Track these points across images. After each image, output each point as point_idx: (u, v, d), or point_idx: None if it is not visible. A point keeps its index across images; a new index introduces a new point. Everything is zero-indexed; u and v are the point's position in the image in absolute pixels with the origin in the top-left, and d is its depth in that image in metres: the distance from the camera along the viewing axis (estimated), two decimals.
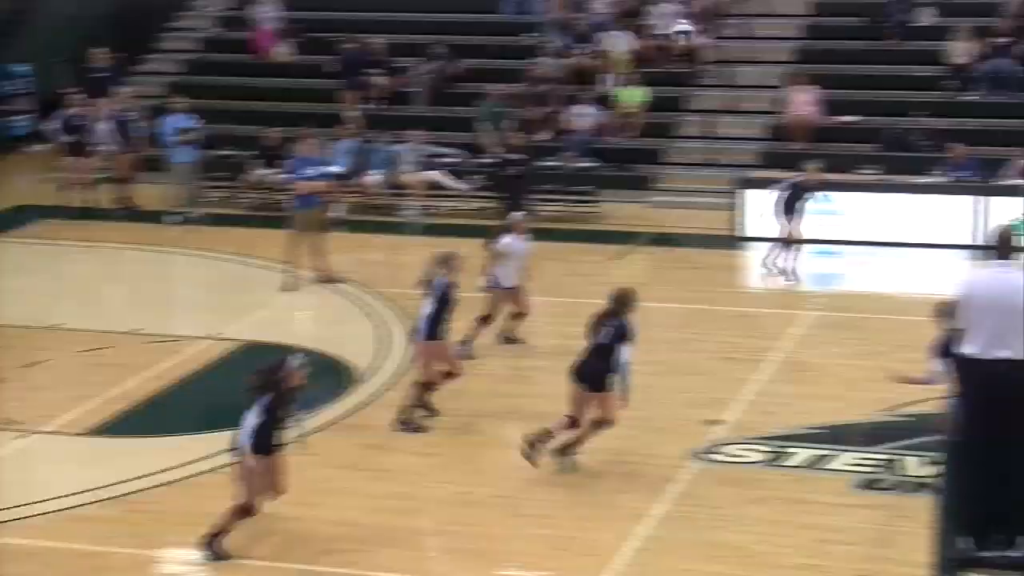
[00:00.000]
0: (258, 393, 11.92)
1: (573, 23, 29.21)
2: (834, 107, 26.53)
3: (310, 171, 21.03)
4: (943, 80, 26.72)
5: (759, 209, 23.00)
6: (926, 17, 28.17)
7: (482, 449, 14.67)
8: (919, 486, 13.24)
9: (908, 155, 25.08)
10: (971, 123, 25.81)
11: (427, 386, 15.05)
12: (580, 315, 18.90)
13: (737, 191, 23.99)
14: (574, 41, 28.83)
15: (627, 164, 26.69)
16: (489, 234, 17.66)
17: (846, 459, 14.21)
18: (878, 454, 14.25)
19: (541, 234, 23.98)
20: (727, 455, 14.30)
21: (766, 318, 19.57)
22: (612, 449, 14.32)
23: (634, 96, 27.33)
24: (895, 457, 14.10)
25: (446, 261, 15.21)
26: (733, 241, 23.65)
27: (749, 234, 23.59)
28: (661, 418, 15.06)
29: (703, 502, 13.20)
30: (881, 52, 27.90)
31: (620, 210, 25.21)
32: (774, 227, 21.33)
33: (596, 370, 13.68)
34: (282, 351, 14.32)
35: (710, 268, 22.47)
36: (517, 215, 18.07)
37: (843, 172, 24.34)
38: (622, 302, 13.96)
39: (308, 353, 14.18)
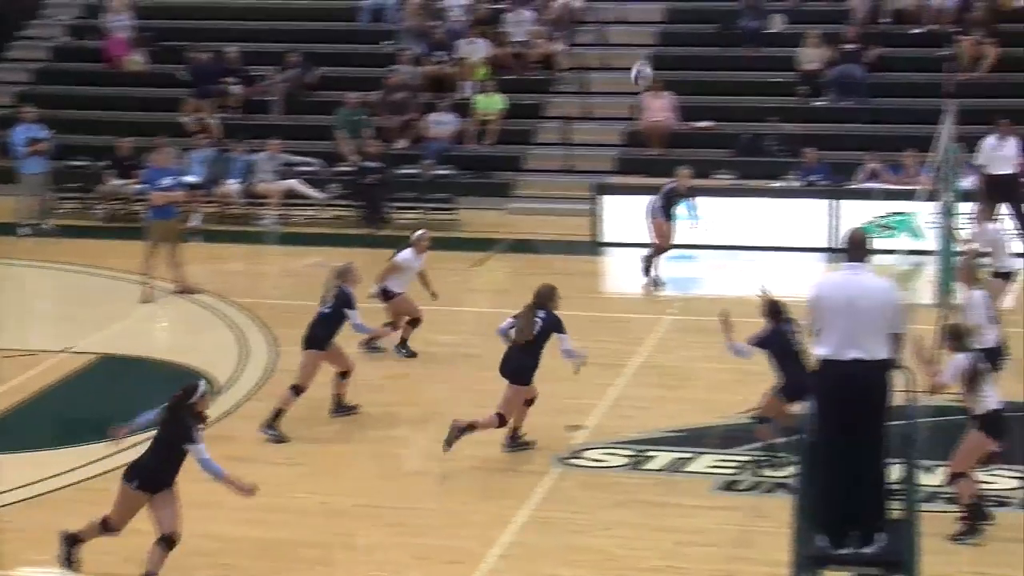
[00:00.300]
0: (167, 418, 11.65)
1: (430, 31, 29.24)
2: (689, 113, 26.85)
3: (165, 181, 20.79)
4: (795, 86, 27.16)
5: (622, 215, 23.26)
6: (777, 24, 28.61)
7: (347, 458, 14.59)
8: (777, 486, 13.43)
9: (762, 160, 25.48)
10: (822, 128, 26.29)
11: (298, 390, 15.04)
12: (442, 322, 19.01)
13: (595, 197, 24.17)
14: (431, 49, 28.86)
15: (485, 171, 26.79)
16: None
17: (706, 462, 14.32)
18: (737, 456, 14.38)
19: (400, 242, 23.98)
20: (589, 460, 14.34)
21: (627, 323, 19.72)
22: (477, 456, 14.34)
23: (492, 103, 27.43)
24: (754, 458, 14.20)
25: (344, 273, 15.42)
26: (592, 247, 23.82)
27: (608, 239, 23.79)
28: (525, 424, 14.99)
29: (565, 507, 13.23)
30: (734, 59, 28.29)
31: (479, 217, 25.29)
32: (648, 233, 21.36)
33: (522, 365, 14.31)
34: (143, 364, 14.15)
35: (570, 274, 22.50)
36: (420, 232, 18.08)
37: (699, 178, 24.64)
38: (546, 297, 14.52)
39: (167, 365, 14.04)
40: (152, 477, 11.52)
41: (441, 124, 27.13)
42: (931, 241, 20.12)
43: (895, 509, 9.73)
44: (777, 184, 24.12)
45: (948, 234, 17.76)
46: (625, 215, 24.00)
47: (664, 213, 21.27)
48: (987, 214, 17.47)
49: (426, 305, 19.24)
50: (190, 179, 24.08)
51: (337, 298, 15.21)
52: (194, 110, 27.98)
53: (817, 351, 9.73)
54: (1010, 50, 26.80)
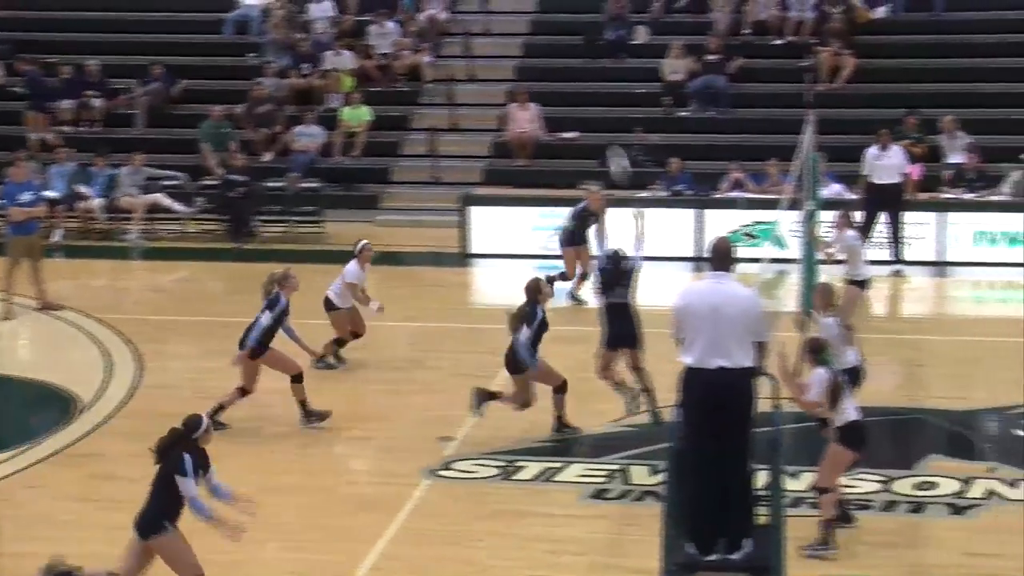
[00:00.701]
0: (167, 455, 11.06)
1: (295, 43, 29.09)
2: (555, 124, 27.00)
3: (25, 196, 20.42)
4: (659, 97, 27.42)
5: (489, 225, 23.39)
6: (641, 36, 28.87)
7: (218, 474, 14.37)
8: (646, 494, 13.51)
9: (628, 170, 25.63)
10: (686, 138, 26.59)
11: (244, 391, 15.24)
12: (311, 336, 18.88)
13: (462, 208, 24.22)
14: (297, 61, 28.72)
15: (353, 184, 26.71)
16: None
17: (575, 471, 14.37)
18: (606, 465, 14.45)
19: (267, 255, 23.87)
20: (460, 471, 14.32)
21: (496, 334, 19.65)
22: (348, 470, 14.44)
23: (358, 115, 27.36)
24: (623, 467, 14.31)
25: (283, 279, 15.54)
26: (460, 258, 23.85)
27: (476, 251, 23.84)
28: (395, 437, 15.09)
29: (437, 519, 13.22)
30: (599, 70, 28.50)
31: (347, 230, 25.12)
32: (562, 255, 21.13)
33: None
34: (5, 382, 13.89)
35: (439, 285, 22.64)
36: (363, 243, 17.88)
37: (566, 188, 24.82)
38: (533, 289, 14.94)
39: (30, 383, 13.81)
40: (154, 522, 10.89)
41: (307, 137, 27.01)
42: (794, 249, 20.40)
43: (761, 515, 9.84)
44: (643, 194, 24.28)
45: (811, 242, 18.02)
46: (492, 226, 24.09)
47: (575, 237, 20.85)
48: (846, 221, 17.71)
49: (295, 318, 19.16)
50: (50, 194, 23.71)
51: (270, 302, 15.32)
52: (33, 123, 27.58)
53: (683, 359, 9.81)
54: (867, 61, 27.33)
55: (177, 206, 25.50)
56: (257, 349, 15.18)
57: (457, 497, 13.77)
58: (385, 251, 24.07)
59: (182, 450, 10.98)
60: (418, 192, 26.81)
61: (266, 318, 15.22)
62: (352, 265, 17.55)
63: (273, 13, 29.70)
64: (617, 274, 15.06)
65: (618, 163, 22.63)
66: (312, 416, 15.39)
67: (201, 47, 30.23)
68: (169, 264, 23.72)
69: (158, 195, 25.51)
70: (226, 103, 27.51)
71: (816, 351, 12.43)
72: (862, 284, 17.66)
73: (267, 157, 27.00)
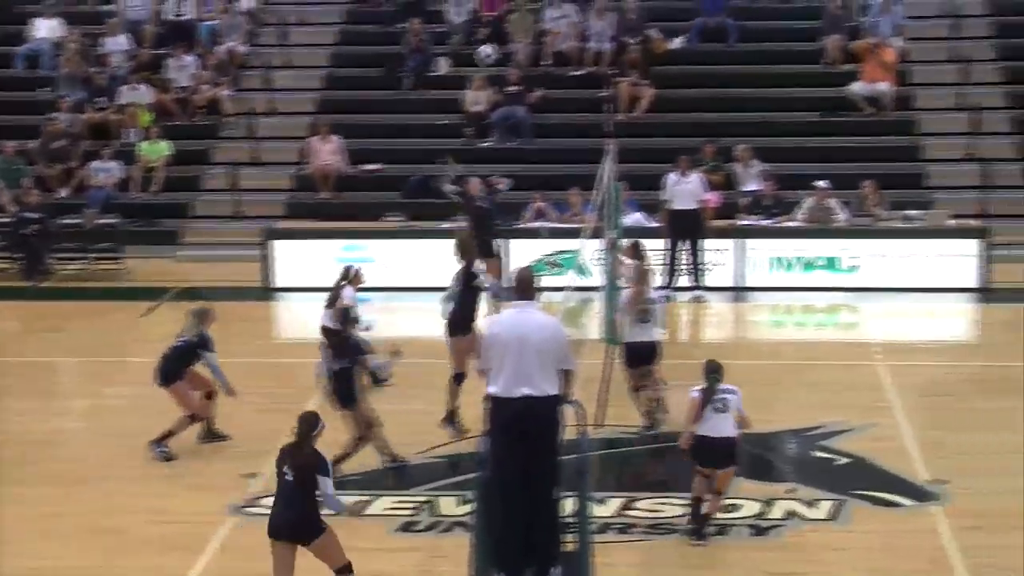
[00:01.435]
0: None
1: (91, 77, 28.57)
2: (358, 156, 26.94)
3: None
4: (461, 128, 27.53)
5: (292, 259, 23.28)
6: (442, 67, 28.98)
7: (10, 520, 13.96)
8: (455, 525, 13.49)
9: (431, 201, 25.71)
10: (489, 168, 26.66)
11: (193, 418, 15.43)
12: (110, 374, 18.59)
13: (265, 242, 24.01)
14: (92, 96, 28.21)
15: (152, 219, 26.31)
16: None
17: (384, 504, 14.31)
18: (414, 497, 14.41)
19: (64, 293, 23.41)
20: (266, 508, 14.01)
21: (300, 368, 19.54)
22: (150, 508, 14.11)
23: (157, 150, 26.99)
24: (431, 498, 14.29)
25: (202, 314, 15.98)
26: (263, 292, 23.65)
27: (279, 284, 23.67)
28: (199, 474, 14.89)
29: (243, 558, 12.99)
30: (400, 101, 28.53)
31: (147, 266, 24.85)
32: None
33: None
34: None
35: (242, 320, 22.33)
36: (356, 268, 18.19)
37: (369, 220, 24.82)
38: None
39: None
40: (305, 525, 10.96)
41: (104, 172, 26.56)
42: (597, 277, 20.58)
43: (569, 542, 9.89)
44: (446, 225, 24.33)
45: (613, 270, 18.17)
46: (296, 259, 23.92)
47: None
48: (633, 251, 17.78)
49: (96, 356, 18.89)
50: None
51: (197, 337, 15.64)
52: None
53: (489, 390, 9.85)
54: (665, 91, 27.79)
55: None
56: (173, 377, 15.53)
57: (263, 534, 13.51)
58: (187, 286, 23.90)
59: (311, 447, 11.09)
60: (220, 227, 26.50)
61: (212, 358, 15.70)
62: (349, 290, 17.70)
63: (66, 47, 29.13)
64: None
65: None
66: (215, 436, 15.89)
67: None
68: None
69: None
70: (19, 139, 26.90)
71: (713, 371, 13.14)
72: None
73: (63, 193, 26.49)
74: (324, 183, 26.52)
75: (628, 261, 17.38)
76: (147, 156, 26.95)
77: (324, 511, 11.26)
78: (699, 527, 13.14)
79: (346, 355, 14.54)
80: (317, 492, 11.02)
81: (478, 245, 18.85)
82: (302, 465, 11.00)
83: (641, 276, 16.60)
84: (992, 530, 13.42)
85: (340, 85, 29.33)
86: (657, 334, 16.02)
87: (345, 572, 11.25)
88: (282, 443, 11.44)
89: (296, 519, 11.04)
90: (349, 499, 13.51)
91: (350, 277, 17.95)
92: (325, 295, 22.81)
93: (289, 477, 11.08)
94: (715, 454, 13.08)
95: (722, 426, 13.05)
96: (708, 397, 13.03)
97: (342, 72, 29.60)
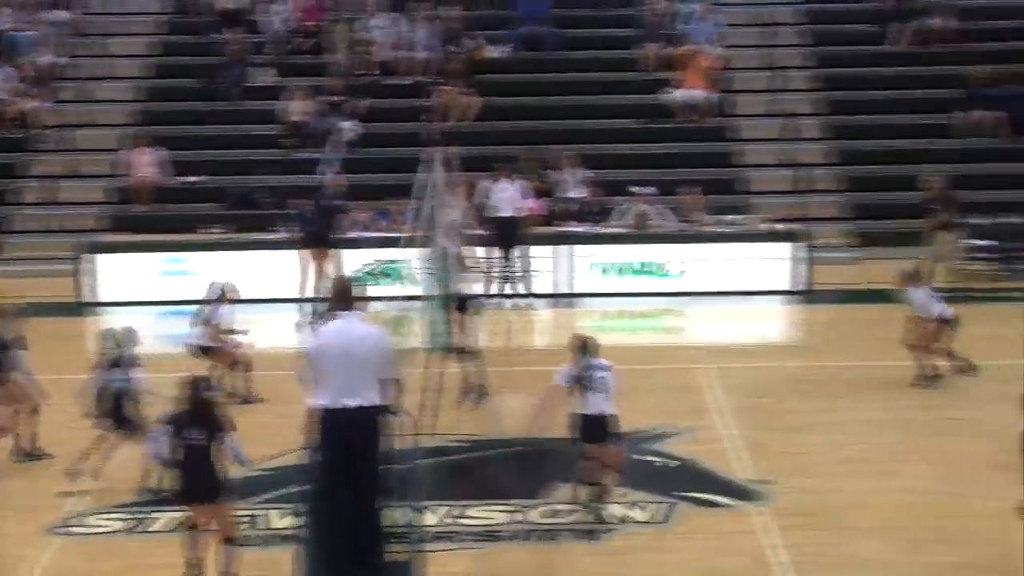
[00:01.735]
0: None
1: None
2: (178, 168, 26.68)
3: None
4: (282, 138, 27.30)
5: (111, 273, 22.92)
6: (263, 77, 28.74)
7: None
8: (283, 538, 13.20)
9: (253, 213, 25.49)
10: (311, 179, 26.55)
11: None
12: None
13: (82, 256, 23.57)
14: None
15: None
16: None
17: None
18: (242, 510, 14.16)
19: None
20: (87, 527, 13.90)
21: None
22: None
23: None
24: (258, 512, 14.06)
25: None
26: (80, 307, 23.27)
27: (97, 299, 23.30)
28: (13, 494, 14.60)
29: None
30: (220, 112, 28.28)
31: None
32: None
33: None
34: None
35: (58, 336, 21.91)
36: (230, 284, 17.86)
37: (190, 232, 24.50)
38: None
39: None
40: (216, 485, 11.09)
41: None
42: (421, 286, 20.58)
43: (399, 551, 9.85)
44: (269, 236, 24.15)
45: (437, 279, 18.17)
46: (115, 274, 23.55)
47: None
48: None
49: None
50: None
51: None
52: None
53: (314, 401, 9.76)
54: (488, 99, 27.91)
55: None
56: None
57: (85, 555, 13.33)
58: (2, 302, 23.31)
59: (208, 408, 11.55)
60: (35, 241, 26.00)
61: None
62: (221, 307, 17.68)
63: None
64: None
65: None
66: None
67: None
68: None
69: None
70: None
71: (581, 347, 13.76)
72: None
73: None
74: (144, 195, 26.14)
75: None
76: None
77: None
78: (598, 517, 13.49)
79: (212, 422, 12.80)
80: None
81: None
82: (211, 425, 11.38)
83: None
84: (814, 527, 13.67)
85: (160, 96, 29.02)
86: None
87: (232, 543, 11.51)
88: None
89: (209, 479, 11.38)
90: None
91: (222, 294, 17.85)
92: (144, 309, 22.73)
93: (199, 440, 11.40)
94: (597, 431, 13.58)
95: (599, 403, 13.53)
96: (581, 376, 13.47)
97: (162, 83, 29.28)
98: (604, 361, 13.79)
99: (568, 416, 13.76)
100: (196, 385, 11.69)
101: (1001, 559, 12.59)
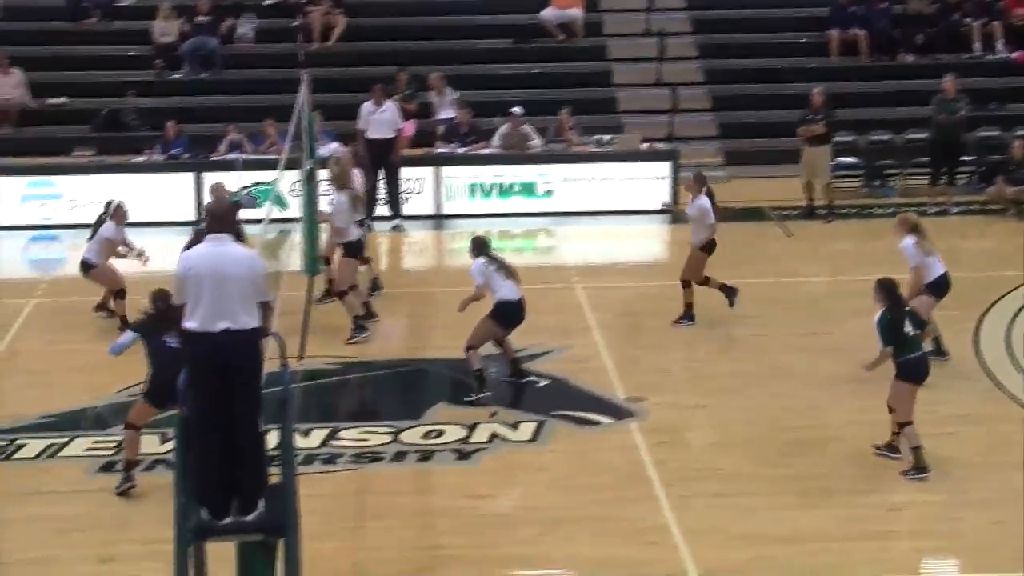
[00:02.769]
0: None
1: None
2: (41, 90, 26.19)
3: None
4: (151, 60, 26.97)
5: None
6: None
7: None
8: (156, 463, 13.41)
9: (121, 135, 25.17)
10: (180, 101, 26.29)
11: None
12: None
13: None
14: None
15: None
16: None
17: (82, 445, 14.15)
18: (114, 437, 14.15)
19: None
20: None
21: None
22: None
23: None
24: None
25: None
26: None
27: None
28: None
29: None
30: (86, 33, 27.84)
31: None
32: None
33: None
34: None
35: None
36: (118, 201, 17.84)
37: (58, 155, 24.18)
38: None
39: None
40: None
41: None
42: (295, 208, 20.55)
43: (274, 474, 9.87)
44: (139, 159, 23.88)
45: (310, 200, 18.14)
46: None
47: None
48: (342, 181, 17.76)
49: None
50: None
51: None
52: None
53: (186, 324, 9.71)
54: (357, 20, 27.74)
55: None
56: None
57: None
58: None
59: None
60: None
61: None
62: (109, 224, 17.50)
63: None
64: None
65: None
66: None
67: None
68: None
69: None
70: None
71: (478, 246, 15.44)
72: (356, 248, 17.73)
73: None
74: (6, 118, 25.70)
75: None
76: None
77: None
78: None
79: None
80: None
81: None
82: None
83: None
84: (683, 443, 14.12)
85: (20, 16, 28.36)
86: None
87: None
88: None
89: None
90: None
91: (111, 211, 17.72)
92: (11, 233, 22.45)
93: (173, 343, 12.14)
94: (520, 314, 15.22)
95: (515, 288, 15.17)
96: (497, 265, 15.15)
97: (21, 3, 28.62)
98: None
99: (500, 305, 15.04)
100: (165, 295, 12.23)
101: (842, 470, 13.23)
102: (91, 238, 17.69)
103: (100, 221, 17.77)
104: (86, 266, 17.60)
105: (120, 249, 17.66)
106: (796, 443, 13.87)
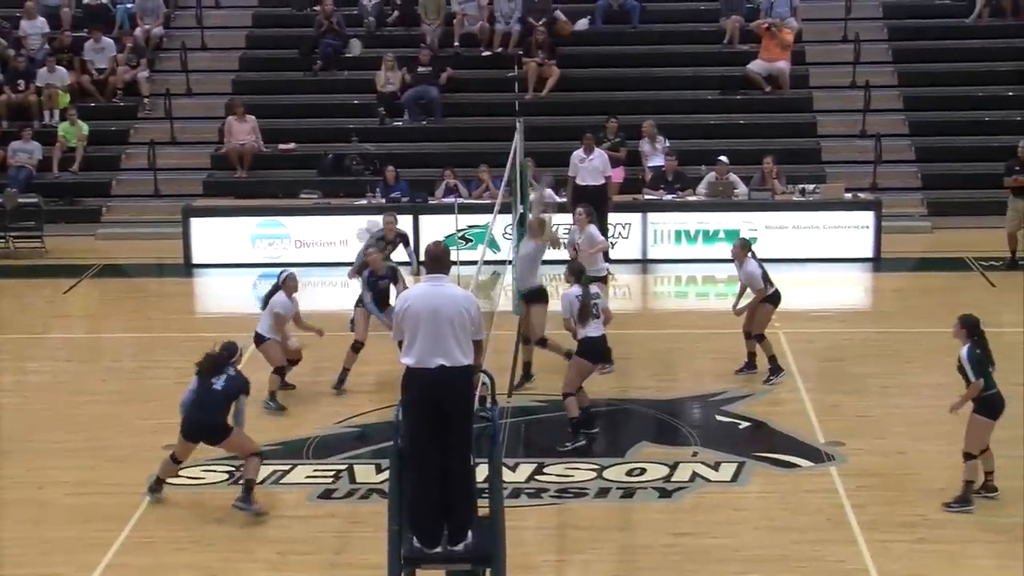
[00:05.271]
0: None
1: (10, 60, 28.71)
2: (273, 135, 27.26)
3: None
4: (374, 107, 27.93)
5: (210, 236, 23.87)
6: (355, 48, 29.34)
7: None
8: (372, 492, 13.90)
9: (345, 179, 26.10)
10: (401, 147, 27.15)
11: None
12: (33, 349, 18.87)
13: (184, 219, 24.36)
14: (11, 77, 28.36)
15: (73, 198, 26.53)
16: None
17: (303, 472, 14.63)
18: (332, 465, 14.74)
19: None
20: (188, 478, 14.32)
21: (221, 342, 19.80)
22: (74, 481, 14.33)
23: (75, 131, 27.18)
24: (348, 466, 14.66)
25: None
26: (183, 269, 23.96)
27: (197, 261, 24.02)
28: (121, 446, 15.08)
29: (166, 526, 13.28)
30: (314, 82, 28.88)
31: (68, 244, 25.09)
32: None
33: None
34: None
35: (162, 296, 22.66)
36: (286, 273, 16.87)
37: (287, 198, 25.23)
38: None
39: None
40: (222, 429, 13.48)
41: (24, 152, 26.73)
42: (507, 251, 21.02)
43: (482, 507, 10.15)
44: (360, 202, 24.73)
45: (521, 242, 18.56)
46: (213, 236, 24.28)
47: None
48: (588, 218, 18.19)
49: (18, 333, 19.10)
50: None
51: None
52: None
53: (403, 360, 10.03)
54: (570, 71, 28.33)
55: None
56: None
57: (186, 504, 13.83)
58: (108, 263, 24.21)
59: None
60: (139, 204, 26.79)
61: None
62: (279, 296, 16.59)
63: None
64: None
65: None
66: None
67: None
68: None
69: None
70: None
71: (574, 272, 15.37)
72: (605, 280, 18.25)
73: None
74: (240, 162, 26.87)
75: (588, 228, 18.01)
76: (66, 137, 27.17)
77: None
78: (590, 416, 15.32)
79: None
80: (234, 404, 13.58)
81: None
82: (235, 383, 13.58)
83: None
84: (883, 488, 14.03)
85: (255, 67, 29.60)
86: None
87: (256, 456, 13.62)
88: None
89: (216, 424, 13.50)
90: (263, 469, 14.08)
91: (281, 281, 16.75)
92: (241, 271, 23.38)
93: (219, 386, 13.46)
94: (603, 351, 15.49)
95: (599, 326, 15.19)
96: (586, 301, 15.07)
97: (257, 54, 29.88)
98: (596, 289, 15.43)
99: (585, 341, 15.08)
100: (232, 346, 13.90)
101: None
102: (263, 308, 16.70)
103: (274, 290, 16.66)
104: (257, 339, 16.62)
105: (289, 330, 16.82)
106: (1008, 491, 13.66)
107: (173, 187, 26.81)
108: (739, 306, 17.47)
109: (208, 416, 13.48)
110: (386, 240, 20.21)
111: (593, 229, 18.11)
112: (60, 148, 27.07)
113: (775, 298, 17.40)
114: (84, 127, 27.26)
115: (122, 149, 27.91)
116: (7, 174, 26.44)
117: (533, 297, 16.99)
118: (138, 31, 29.69)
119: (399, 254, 19.41)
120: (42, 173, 26.80)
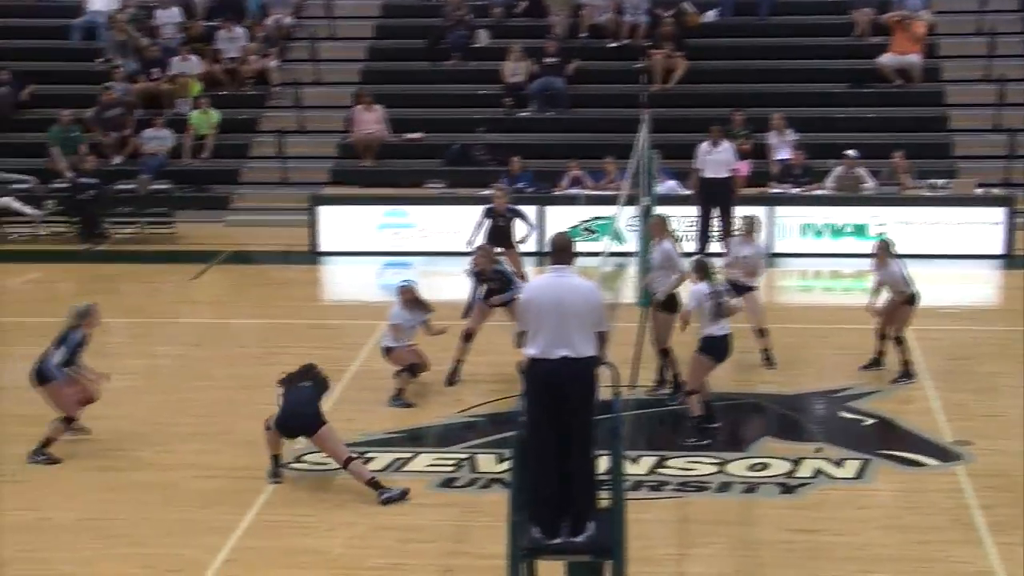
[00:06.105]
0: None
1: (143, 48, 29.19)
2: (400, 125, 27.42)
3: None
4: (500, 98, 28.00)
5: (337, 224, 24.10)
6: (482, 39, 29.45)
7: (68, 473, 14.47)
8: (493, 482, 13.95)
9: (470, 169, 26.22)
10: (526, 138, 27.21)
11: (68, 420, 14.78)
12: (163, 335, 19.15)
13: (312, 208, 24.60)
14: (146, 66, 28.84)
15: (203, 185, 26.91)
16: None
17: (425, 461, 14.72)
18: (454, 454, 14.83)
19: (119, 256, 24.04)
20: (310, 464, 14.49)
21: (346, 329, 20.05)
22: (198, 464, 14.54)
23: (207, 119, 27.58)
24: (470, 455, 14.71)
25: (85, 314, 14.83)
26: (309, 256, 24.23)
27: (324, 249, 24.25)
28: (246, 431, 15.22)
29: (289, 510, 13.42)
30: (441, 72, 29.02)
31: (197, 230, 25.47)
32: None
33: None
34: None
35: (289, 283, 22.92)
36: (405, 283, 17.10)
37: (412, 187, 25.36)
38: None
39: None
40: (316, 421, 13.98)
41: (157, 140, 27.19)
42: (632, 243, 21.01)
43: (603, 498, 10.12)
44: (485, 192, 24.80)
45: (647, 236, 18.54)
46: (340, 225, 24.49)
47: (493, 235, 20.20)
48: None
49: (146, 317, 19.40)
50: None
51: (62, 338, 14.77)
52: None
53: (527, 351, 10.05)
54: (698, 63, 28.22)
55: (27, 209, 25.52)
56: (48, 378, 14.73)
57: (309, 488, 13.97)
58: (236, 250, 24.56)
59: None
60: (267, 192, 27.10)
61: (60, 355, 14.61)
62: (394, 308, 16.84)
63: (118, 20, 29.74)
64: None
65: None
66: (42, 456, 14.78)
67: (48, 53, 30.18)
68: (20, 267, 23.68)
69: (7, 199, 25.50)
70: (75, 107, 27.48)
71: (702, 269, 15.08)
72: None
73: (117, 160, 27.13)
74: (367, 151, 27.07)
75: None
76: (197, 125, 27.57)
77: None
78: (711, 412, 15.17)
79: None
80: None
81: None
82: (318, 381, 14.32)
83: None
84: (1011, 489, 13.78)
85: (383, 56, 29.79)
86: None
87: (349, 462, 13.91)
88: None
89: (308, 418, 13.96)
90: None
91: (397, 293, 16.96)
92: (366, 259, 23.56)
93: (307, 385, 14.12)
94: (726, 350, 15.09)
95: (725, 324, 15.01)
96: (714, 299, 14.88)
97: (385, 44, 30.08)
98: (721, 287, 15.22)
99: (707, 339, 14.92)
100: (314, 370, 14.41)
101: None
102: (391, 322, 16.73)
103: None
104: (385, 350, 16.81)
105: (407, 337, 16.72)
106: None
107: (300, 175, 27.09)
108: (874, 305, 17.19)
109: (304, 413, 13.99)
110: (496, 212, 20.39)
111: (761, 245, 17.99)
112: (191, 136, 27.47)
113: (915, 299, 17.10)
114: (215, 115, 27.65)
115: (251, 137, 28.25)
116: (140, 161, 26.88)
117: (661, 305, 16.48)
118: (269, 20, 30.03)
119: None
120: (173, 160, 27.25)
